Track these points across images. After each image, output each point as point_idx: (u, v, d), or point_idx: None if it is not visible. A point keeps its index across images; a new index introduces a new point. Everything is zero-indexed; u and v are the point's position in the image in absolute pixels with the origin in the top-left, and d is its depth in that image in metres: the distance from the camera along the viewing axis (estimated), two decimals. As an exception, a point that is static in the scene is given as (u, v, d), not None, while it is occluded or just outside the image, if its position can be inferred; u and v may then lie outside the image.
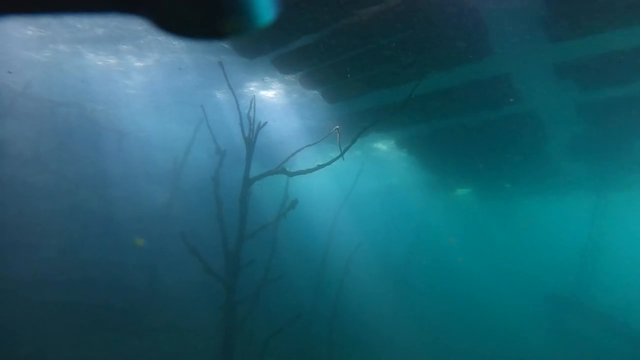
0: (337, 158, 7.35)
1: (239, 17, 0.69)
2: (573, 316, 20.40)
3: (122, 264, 16.26)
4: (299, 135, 16.37)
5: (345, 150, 7.21)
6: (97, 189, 19.04)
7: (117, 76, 15.28)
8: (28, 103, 17.36)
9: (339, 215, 15.46)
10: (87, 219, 17.29)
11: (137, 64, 13.92)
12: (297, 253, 20.32)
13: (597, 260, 21.11)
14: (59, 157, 18.80)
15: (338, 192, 18.33)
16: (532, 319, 23.02)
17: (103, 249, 16.44)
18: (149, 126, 21.25)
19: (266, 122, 8.27)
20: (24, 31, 12.39)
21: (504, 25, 8.13)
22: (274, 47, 9.80)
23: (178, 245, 8.63)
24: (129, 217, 18.33)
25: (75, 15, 0.78)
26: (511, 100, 11.22)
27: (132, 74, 14.96)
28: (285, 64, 10.62)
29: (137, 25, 11.03)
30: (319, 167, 7.71)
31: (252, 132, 8.12)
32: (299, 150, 7.93)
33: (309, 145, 7.83)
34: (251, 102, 7.98)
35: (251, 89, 13.84)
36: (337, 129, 7.08)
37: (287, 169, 8.13)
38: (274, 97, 14.33)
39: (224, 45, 10.72)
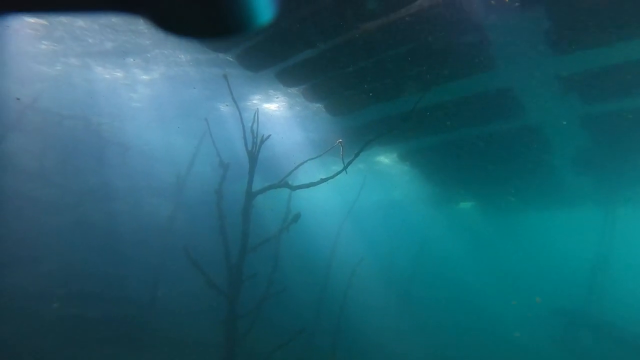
0: (341, 172, 7.34)
1: (239, 16, 0.69)
2: (582, 329, 20.03)
3: (124, 277, 16.19)
4: (302, 148, 16.42)
5: (348, 164, 7.20)
6: (101, 202, 19.10)
7: (123, 89, 15.49)
8: (36, 116, 17.58)
9: (342, 228, 15.38)
10: (89, 232, 17.30)
11: (143, 77, 14.10)
12: (300, 266, 20.18)
13: (607, 274, 20.79)
14: (64, 171, 18.94)
15: (341, 205, 18.28)
16: (539, 332, 22.62)
17: (105, 262, 16.40)
18: (153, 139, 21.42)
19: (269, 136, 8.28)
20: (38, 45, 12.65)
21: (508, 39, 8.17)
22: (278, 60, 9.90)
23: (180, 258, 8.58)
24: (131, 230, 18.32)
25: (76, 15, 0.79)
26: (515, 113, 11.21)
27: (138, 87, 15.15)
28: (289, 77, 10.71)
29: (145, 39, 11.22)
30: (322, 180, 7.69)
31: (255, 146, 8.14)
32: (301, 164, 7.92)
33: (312, 159, 7.83)
34: (254, 116, 8.02)
35: (254, 101, 13.95)
36: (340, 142, 7.09)
37: (290, 183, 8.12)
38: (277, 110, 14.42)
39: (229, 58, 10.85)
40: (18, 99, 15.10)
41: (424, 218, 28.35)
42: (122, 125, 19.81)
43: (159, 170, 22.01)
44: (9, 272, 13.48)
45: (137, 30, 10.77)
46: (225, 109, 15.86)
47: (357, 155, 7.38)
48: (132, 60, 12.82)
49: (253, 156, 8.18)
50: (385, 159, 18.76)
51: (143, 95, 15.82)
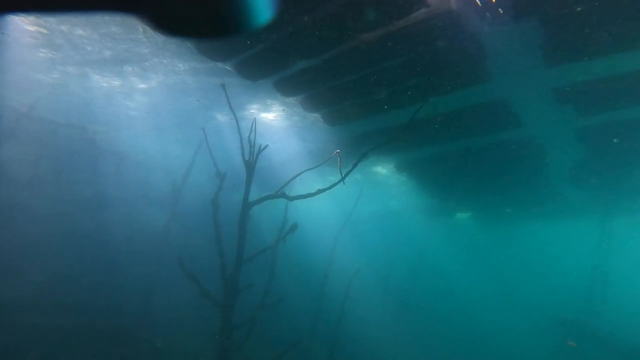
0: (338, 182, 7.30)
1: (239, 15, 0.69)
2: (581, 340, 19.93)
3: (116, 288, 15.92)
4: (299, 157, 16.40)
5: (346, 175, 7.17)
6: (94, 211, 18.88)
7: (120, 98, 15.46)
8: (31, 125, 17.48)
9: (339, 238, 15.31)
10: (81, 242, 17.07)
11: (141, 85, 14.09)
12: (296, 277, 20.01)
13: (604, 284, 20.77)
14: (57, 180, 18.77)
15: (338, 215, 18.21)
16: (537, 342, 22.48)
17: (97, 272, 16.13)
18: (149, 148, 21.33)
19: (267, 146, 8.27)
20: (36, 53, 12.63)
21: (503, 50, 8.25)
22: (277, 70, 9.93)
23: (175, 268, 8.47)
24: (125, 240, 18.11)
25: (75, 14, 0.77)
26: (511, 125, 11.27)
27: (135, 96, 15.13)
28: (287, 87, 10.73)
29: (144, 48, 11.24)
30: (320, 191, 7.65)
31: (252, 156, 8.11)
32: (298, 175, 7.89)
33: (309, 170, 7.80)
34: (252, 125, 8.00)
35: (252, 111, 13.95)
36: (337, 152, 7.07)
37: (287, 193, 8.07)
38: (274, 120, 14.43)
39: (227, 67, 10.87)
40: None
41: (421, 229, 28.32)
42: (118, 134, 19.72)
43: (155, 179, 21.87)
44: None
45: (136, 38, 10.79)
46: (222, 118, 15.86)
47: (355, 165, 7.36)
48: (130, 69, 12.82)
49: (250, 166, 8.14)
50: (383, 170, 18.77)
51: (140, 103, 15.79)
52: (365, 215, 27.09)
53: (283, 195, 8.02)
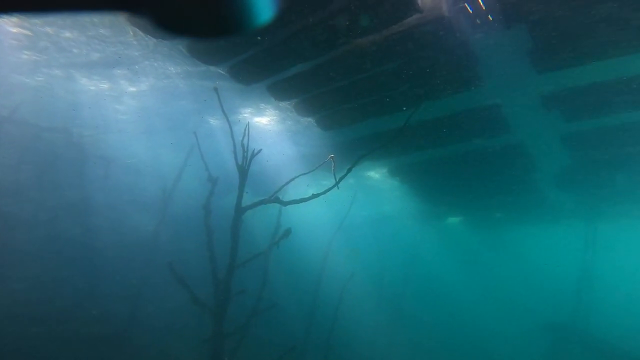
0: (332, 187, 7.25)
1: (238, 14, 0.68)
2: (571, 345, 20.09)
3: (102, 294, 15.58)
4: (292, 162, 16.32)
5: (340, 180, 7.13)
6: (79, 217, 18.46)
7: (109, 101, 15.22)
8: (13, 128, 17.05)
9: (333, 243, 15.23)
10: (65, 248, 16.67)
11: (131, 89, 13.89)
12: (290, 282, 19.85)
13: (591, 289, 21.02)
14: (40, 185, 18.33)
15: (331, 220, 18.15)
16: (528, 347, 22.61)
17: (82, 279, 15.75)
18: (138, 152, 21.03)
19: (260, 150, 8.19)
20: (19, 55, 12.36)
21: (493, 56, 8.34)
22: (270, 74, 9.88)
23: (165, 274, 8.30)
24: (112, 245, 17.76)
25: (75, 14, 0.73)
26: (500, 130, 11.37)
27: (125, 99, 14.91)
28: (281, 91, 10.68)
29: (134, 51, 11.08)
30: (314, 196, 7.60)
31: (245, 160, 8.02)
32: (292, 180, 7.83)
33: (303, 174, 7.74)
34: (245, 129, 7.92)
35: (245, 115, 13.86)
36: (331, 157, 7.03)
37: (281, 198, 7.99)
38: (268, 124, 14.35)
39: (220, 71, 10.78)
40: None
41: (414, 233, 28.39)
42: (105, 138, 19.40)
43: (145, 184, 21.55)
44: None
45: (126, 41, 10.64)
46: (215, 122, 15.72)
47: (349, 170, 7.32)
48: (119, 71, 12.64)
49: (243, 170, 8.05)
50: (376, 174, 18.79)
51: (129, 107, 15.57)
52: (359, 220, 27.09)
53: (277, 200, 7.94)
